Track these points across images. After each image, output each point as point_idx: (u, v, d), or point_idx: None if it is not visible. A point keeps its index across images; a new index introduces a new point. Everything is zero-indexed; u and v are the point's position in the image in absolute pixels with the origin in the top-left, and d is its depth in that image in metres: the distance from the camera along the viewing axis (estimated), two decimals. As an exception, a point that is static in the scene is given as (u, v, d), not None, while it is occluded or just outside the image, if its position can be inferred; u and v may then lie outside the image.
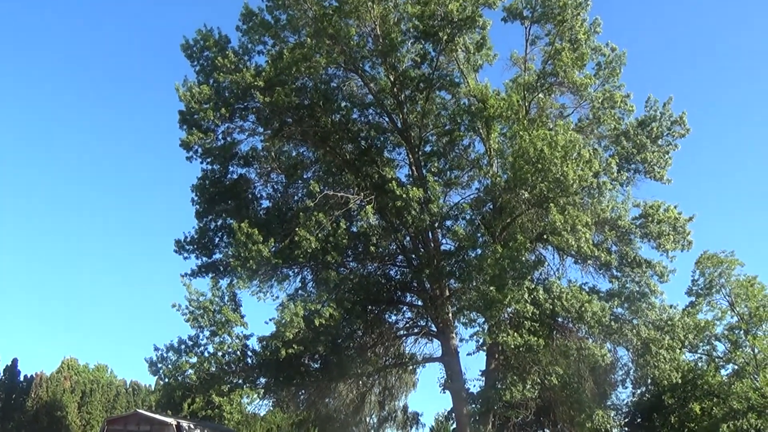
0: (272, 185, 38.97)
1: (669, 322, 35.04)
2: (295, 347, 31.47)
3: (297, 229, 31.20)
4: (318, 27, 33.50)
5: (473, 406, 35.06)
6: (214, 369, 32.46)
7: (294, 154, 39.07)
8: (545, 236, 34.39)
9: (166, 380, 33.13)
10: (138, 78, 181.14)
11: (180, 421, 43.94)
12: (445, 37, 33.15)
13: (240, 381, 34.17)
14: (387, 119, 37.39)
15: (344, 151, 37.48)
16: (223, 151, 35.33)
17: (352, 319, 34.58)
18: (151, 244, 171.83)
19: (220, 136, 35.18)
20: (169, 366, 31.98)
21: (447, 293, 36.70)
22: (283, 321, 30.31)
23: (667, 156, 37.65)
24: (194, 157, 34.87)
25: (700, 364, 50.65)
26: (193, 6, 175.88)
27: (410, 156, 37.14)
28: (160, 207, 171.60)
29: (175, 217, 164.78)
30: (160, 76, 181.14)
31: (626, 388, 46.56)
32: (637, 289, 35.28)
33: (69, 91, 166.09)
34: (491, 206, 36.50)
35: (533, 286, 32.31)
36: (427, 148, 38.19)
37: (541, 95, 36.97)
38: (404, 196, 31.82)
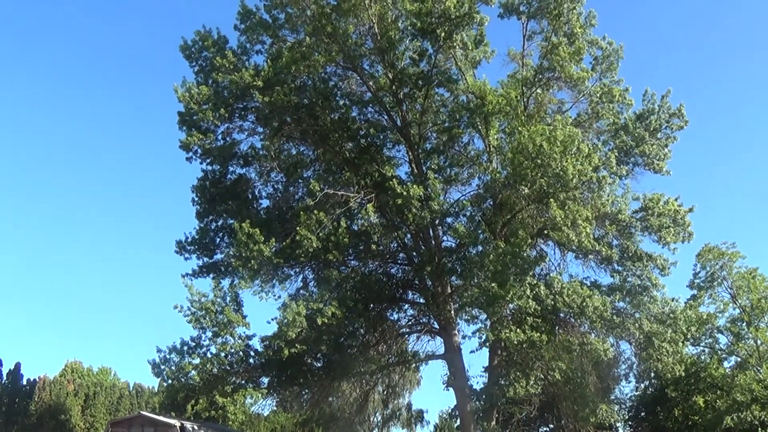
0: (272, 185, 38.91)
1: (671, 316, 35.05)
2: (298, 347, 31.52)
3: (298, 228, 31.18)
4: (316, 25, 33.55)
5: (477, 402, 35.10)
6: (216, 370, 32.48)
7: (294, 153, 38.96)
8: (546, 232, 34.44)
9: (169, 382, 33.12)
10: (137, 79, 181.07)
11: (184, 422, 43.87)
12: (443, 34, 33.11)
13: (243, 381, 34.18)
14: (386, 117, 37.40)
15: (344, 150, 37.44)
16: (223, 152, 35.39)
17: (354, 317, 34.48)
18: (152, 246, 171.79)
19: (219, 137, 35.27)
20: (172, 367, 32.01)
21: (449, 290, 36.69)
22: (286, 321, 30.32)
23: (666, 148, 37.67)
24: (194, 157, 34.94)
25: (702, 357, 50.67)
26: (191, 6, 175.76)
27: (410, 153, 37.17)
28: (160, 208, 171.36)
29: (176, 218, 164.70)
30: (158, 77, 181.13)
31: (629, 382, 46.60)
32: (639, 282, 35.24)
33: (67, 92, 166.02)
34: (491, 203, 36.57)
35: (535, 282, 32.28)
36: (427, 146, 38.29)
37: (539, 90, 37.05)
38: (404, 193, 31.82)
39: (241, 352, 32.87)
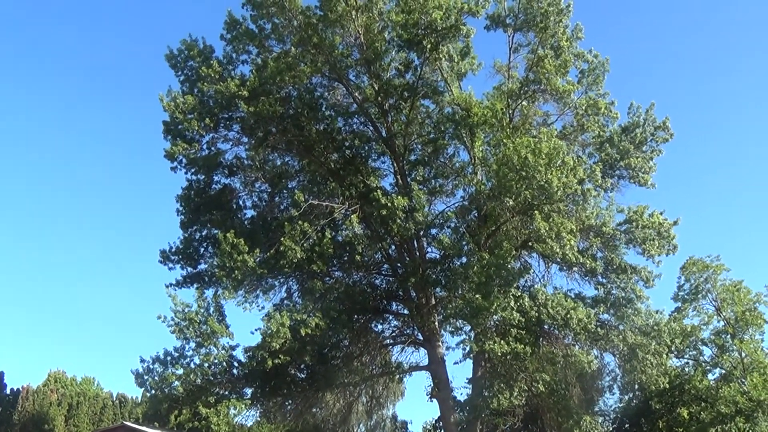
0: (257, 195, 38.89)
1: (655, 328, 35.12)
2: (282, 357, 31.37)
3: (282, 238, 31.11)
4: (302, 36, 33.59)
5: (461, 414, 34.95)
6: (200, 380, 32.21)
7: (279, 163, 38.97)
8: (530, 244, 34.44)
9: (153, 392, 32.86)
10: (122, 87, 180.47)
11: (167, 432, 43.74)
12: (429, 45, 33.21)
13: (226, 392, 33.96)
14: (371, 128, 37.41)
15: (329, 161, 37.41)
16: (208, 161, 35.32)
17: (338, 328, 34.35)
18: (136, 255, 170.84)
19: (204, 146, 35.23)
20: (156, 378, 31.80)
21: (433, 301, 36.63)
22: (269, 331, 30.15)
23: (651, 161, 37.86)
24: (179, 167, 34.87)
25: (687, 369, 50.78)
26: (177, 14, 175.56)
27: (395, 165, 37.15)
28: (144, 217, 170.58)
29: (160, 228, 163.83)
30: (144, 86, 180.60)
31: (613, 393, 46.65)
32: (623, 295, 35.35)
33: (53, 100, 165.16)
34: (476, 214, 36.58)
35: (519, 294, 32.29)
36: (412, 157, 38.26)
37: (524, 103, 37.04)
38: (389, 204, 31.82)
39: (224, 363, 32.63)
